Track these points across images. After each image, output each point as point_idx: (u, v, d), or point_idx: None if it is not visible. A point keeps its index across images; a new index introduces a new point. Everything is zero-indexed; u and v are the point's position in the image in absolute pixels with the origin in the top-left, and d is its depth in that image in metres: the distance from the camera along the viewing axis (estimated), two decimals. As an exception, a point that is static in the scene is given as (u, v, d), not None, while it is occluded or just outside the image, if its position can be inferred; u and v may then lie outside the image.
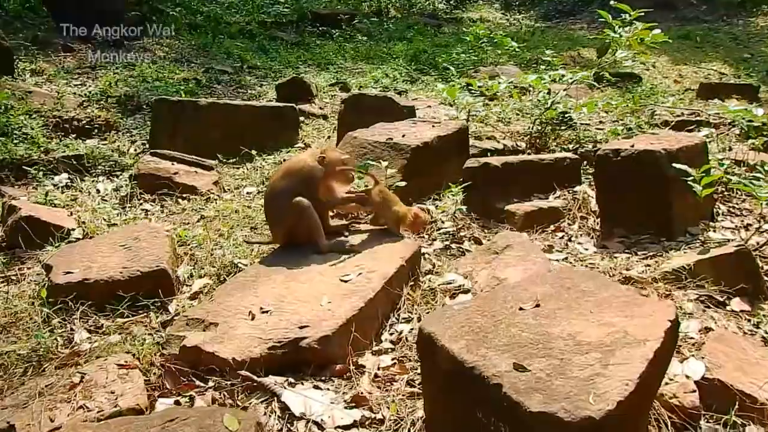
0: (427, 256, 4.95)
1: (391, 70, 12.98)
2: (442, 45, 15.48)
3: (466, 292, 4.11)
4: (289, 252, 4.58)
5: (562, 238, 5.36)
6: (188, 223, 5.93)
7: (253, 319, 3.67)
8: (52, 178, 6.99)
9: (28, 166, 7.10)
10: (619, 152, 5.24)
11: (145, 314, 4.37)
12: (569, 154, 6.29)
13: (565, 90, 8.02)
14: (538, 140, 7.83)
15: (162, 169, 6.70)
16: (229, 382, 3.39)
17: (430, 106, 10.10)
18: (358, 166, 5.69)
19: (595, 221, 5.51)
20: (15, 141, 7.59)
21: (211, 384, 3.43)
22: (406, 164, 6.06)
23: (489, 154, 7.39)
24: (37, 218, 5.48)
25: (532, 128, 7.88)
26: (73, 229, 5.57)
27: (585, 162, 6.53)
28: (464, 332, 2.82)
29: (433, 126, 6.78)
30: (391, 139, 6.40)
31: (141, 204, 6.45)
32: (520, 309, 2.97)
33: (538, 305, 2.99)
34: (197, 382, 3.47)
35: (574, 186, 6.00)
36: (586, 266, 4.81)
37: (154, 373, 3.57)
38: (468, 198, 5.85)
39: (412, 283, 4.28)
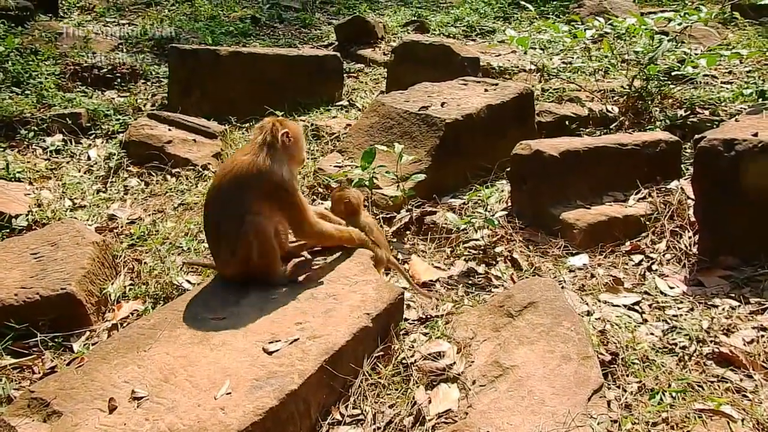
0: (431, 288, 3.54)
1: (483, 4, 11.11)
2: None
3: (453, 380, 2.64)
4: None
5: (639, 264, 3.74)
6: (162, 211, 4.78)
7: (111, 412, 2.45)
8: (44, 140, 5.99)
9: (21, 125, 6.15)
10: (732, 144, 3.51)
11: (38, 355, 3.30)
12: (664, 135, 4.49)
13: (674, 35, 6.10)
14: (637, 102, 6.03)
15: (154, 137, 5.53)
16: None
17: (515, 52, 8.37)
18: (363, 153, 4.28)
19: (691, 239, 3.83)
20: (24, 93, 6.67)
21: None
22: (438, 145, 4.58)
23: (567, 123, 5.74)
24: (-26, 198, 4.51)
25: (630, 86, 6.07)
26: (17, 216, 4.52)
27: (693, 142, 4.69)
28: None
29: (486, 90, 5.18)
30: (426, 107, 4.90)
31: (125, 179, 5.34)
32: None
33: None
34: None
35: (668, 182, 4.28)
36: (665, 321, 3.21)
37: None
38: (513, 196, 4.29)
39: (382, 352, 2.88)
